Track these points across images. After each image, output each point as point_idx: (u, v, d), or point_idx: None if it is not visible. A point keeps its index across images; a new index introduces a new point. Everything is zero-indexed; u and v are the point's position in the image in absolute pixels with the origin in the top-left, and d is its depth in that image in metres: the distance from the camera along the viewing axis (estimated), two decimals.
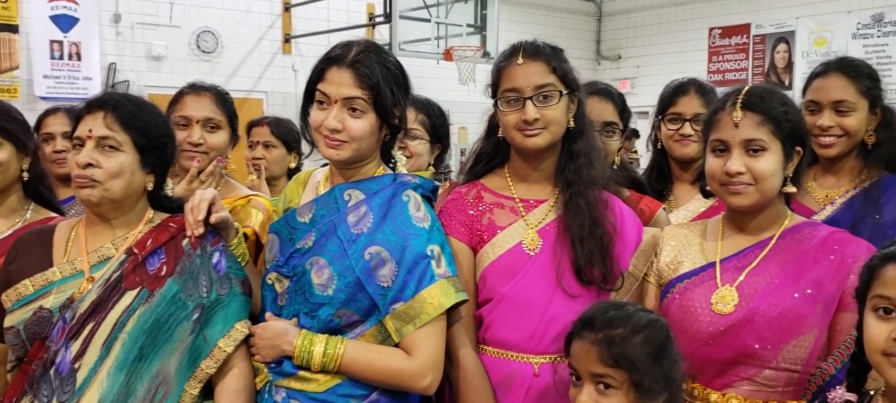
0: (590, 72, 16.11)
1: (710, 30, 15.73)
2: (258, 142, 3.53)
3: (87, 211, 1.97)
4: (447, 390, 2.08)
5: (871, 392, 1.59)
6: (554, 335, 1.99)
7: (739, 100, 1.93)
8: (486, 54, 10.52)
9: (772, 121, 1.90)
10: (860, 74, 2.42)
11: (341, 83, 1.89)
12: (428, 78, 10.77)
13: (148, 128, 1.92)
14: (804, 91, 2.52)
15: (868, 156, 2.44)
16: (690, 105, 2.62)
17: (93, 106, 1.90)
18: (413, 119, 2.74)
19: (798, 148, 1.96)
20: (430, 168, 2.81)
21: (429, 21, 10.79)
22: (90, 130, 1.87)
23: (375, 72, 1.90)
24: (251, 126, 3.63)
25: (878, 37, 13.79)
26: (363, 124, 1.91)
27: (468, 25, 10.99)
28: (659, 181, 2.76)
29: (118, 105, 1.89)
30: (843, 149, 2.42)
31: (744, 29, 15.37)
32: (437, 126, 2.83)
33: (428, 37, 10.90)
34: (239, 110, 3.78)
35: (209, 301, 1.90)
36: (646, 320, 1.74)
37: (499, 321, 2.03)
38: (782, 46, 14.74)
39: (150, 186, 1.95)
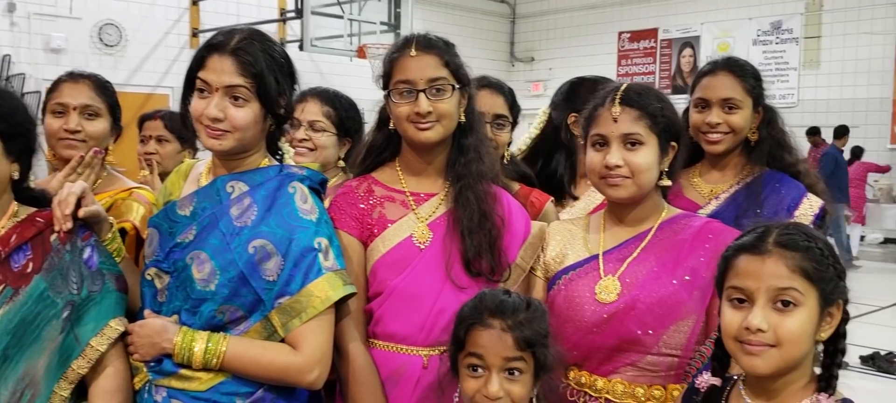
0: (504, 74, 16.27)
1: (620, 34, 16.13)
2: (151, 136, 3.41)
3: None
4: (337, 385, 2.05)
5: (735, 377, 1.65)
6: (443, 326, 1.99)
7: (618, 96, 1.99)
8: None
9: (648, 116, 1.97)
10: (746, 73, 2.50)
11: (223, 71, 1.84)
12: (342, 76, 10.71)
13: (9, 113, 1.82)
14: (692, 89, 2.58)
15: (751, 153, 2.52)
16: None
17: None
18: (318, 111, 2.69)
19: (673, 143, 2.03)
20: (340, 162, 2.76)
21: (341, 18, 10.73)
22: None
23: (259, 60, 1.85)
24: (144, 119, 3.51)
25: (777, 43, 14.38)
26: (246, 113, 1.86)
27: (382, 23, 10.97)
28: (566, 174, 2.75)
29: None
30: (729, 145, 2.49)
31: (651, 33, 15.80)
32: (346, 119, 2.75)
33: (340, 34, 10.83)
34: (143, 107, 3.68)
35: (80, 298, 1.81)
36: (536, 302, 1.85)
37: (389, 314, 2.02)
38: (688, 51, 15.22)
39: (15, 175, 1.85)
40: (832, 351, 1.56)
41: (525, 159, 2.81)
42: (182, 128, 3.33)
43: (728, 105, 2.46)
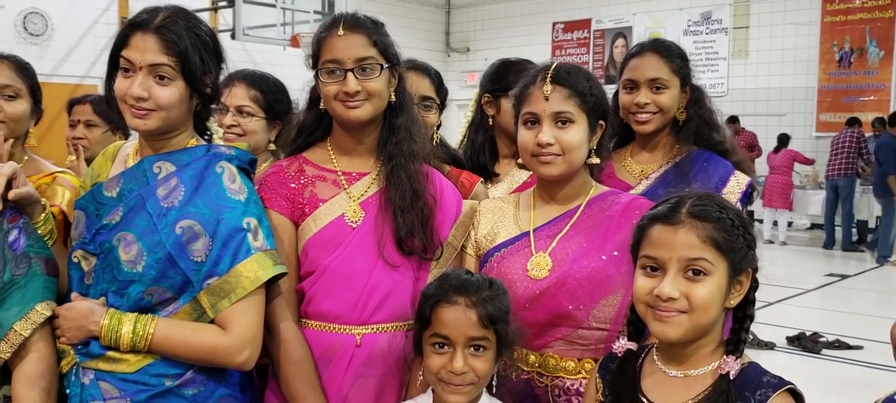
0: (440, 64, 16.31)
1: (554, 24, 16.31)
2: (79, 120, 3.33)
3: None
4: (270, 367, 2.03)
5: (650, 345, 1.71)
6: (376, 304, 2.00)
7: (549, 75, 2.01)
8: None
9: (578, 95, 2.00)
10: (672, 54, 2.55)
11: (146, 49, 1.81)
12: (275, 65, 10.56)
13: None
14: (621, 71, 2.62)
15: (679, 133, 2.58)
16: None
17: None
18: (245, 96, 2.66)
19: (601, 121, 2.07)
20: (270, 146, 2.73)
21: (274, 6, 10.60)
22: None
23: (183, 38, 1.83)
24: (72, 104, 3.42)
25: (707, 33, 14.71)
26: (171, 92, 1.83)
27: (315, 12, 10.87)
28: (489, 156, 2.77)
29: None
30: (658, 125, 2.54)
31: (585, 24, 16.02)
32: (274, 102, 2.72)
33: (273, 23, 10.70)
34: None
35: (3, 281, 1.77)
36: (497, 281, 1.87)
37: (321, 293, 2.01)
38: (620, 41, 15.47)
39: None
40: (741, 317, 1.62)
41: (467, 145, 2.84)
42: (110, 112, 3.29)
43: (656, 85, 2.50)
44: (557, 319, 1.97)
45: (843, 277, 10.16)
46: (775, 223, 12.72)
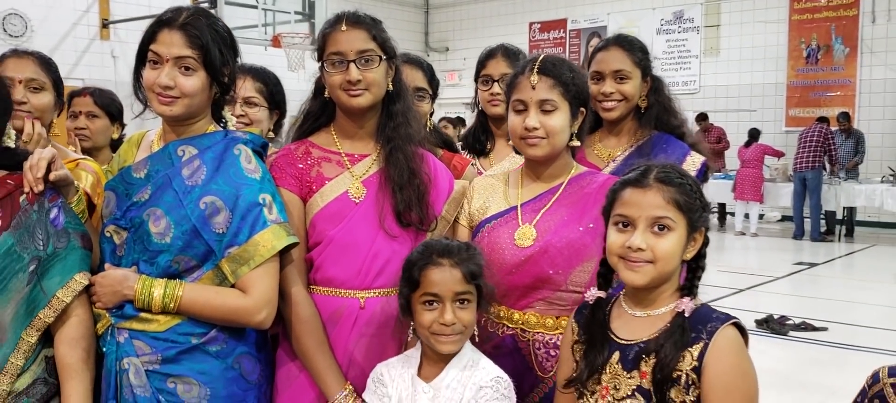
0: None
1: (531, 24, 16.59)
2: (80, 112, 3.50)
3: None
4: (282, 328, 2.25)
5: (616, 294, 1.97)
6: (377, 271, 2.23)
7: (536, 66, 2.25)
8: (315, 41, 10.58)
9: (562, 84, 2.24)
10: (634, 48, 2.80)
11: (172, 43, 2.03)
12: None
13: None
14: (588, 64, 2.87)
15: (641, 119, 2.83)
16: (498, 67, 2.95)
17: None
18: (252, 88, 2.90)
19: (582, 108, 2.31)
20: (270, 133, 2.96)
21: (255, 7, 10.76)
22: None
23: (205, 33, 2.05)
24: (72, 96, 3.59)
25: (679, 32, 15.05)
26: (194, 81, 2.05)
27: (296, 12, 11.03)
28: (483, 135, 3.06)
29: None
30: (622, 112, 2.79)
31: (561, 24, 16.32)
32: (275, 93, 3.00)
33: (255, 23, 10.85)
34: None
35: (46, 253, 1.97)
36: (472, 244, 2.15)
37: (328, 261, 2.23)
38: (595, 40, 15.76)
39: None
40: (694, 267, 1.90)
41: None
42: (110, 103, 3.50)
43: (619, 76, 2.75)
44: (539, 282, 2.21)
45: (812, 265, 10.50)
46: (747, 215, 13.05)
